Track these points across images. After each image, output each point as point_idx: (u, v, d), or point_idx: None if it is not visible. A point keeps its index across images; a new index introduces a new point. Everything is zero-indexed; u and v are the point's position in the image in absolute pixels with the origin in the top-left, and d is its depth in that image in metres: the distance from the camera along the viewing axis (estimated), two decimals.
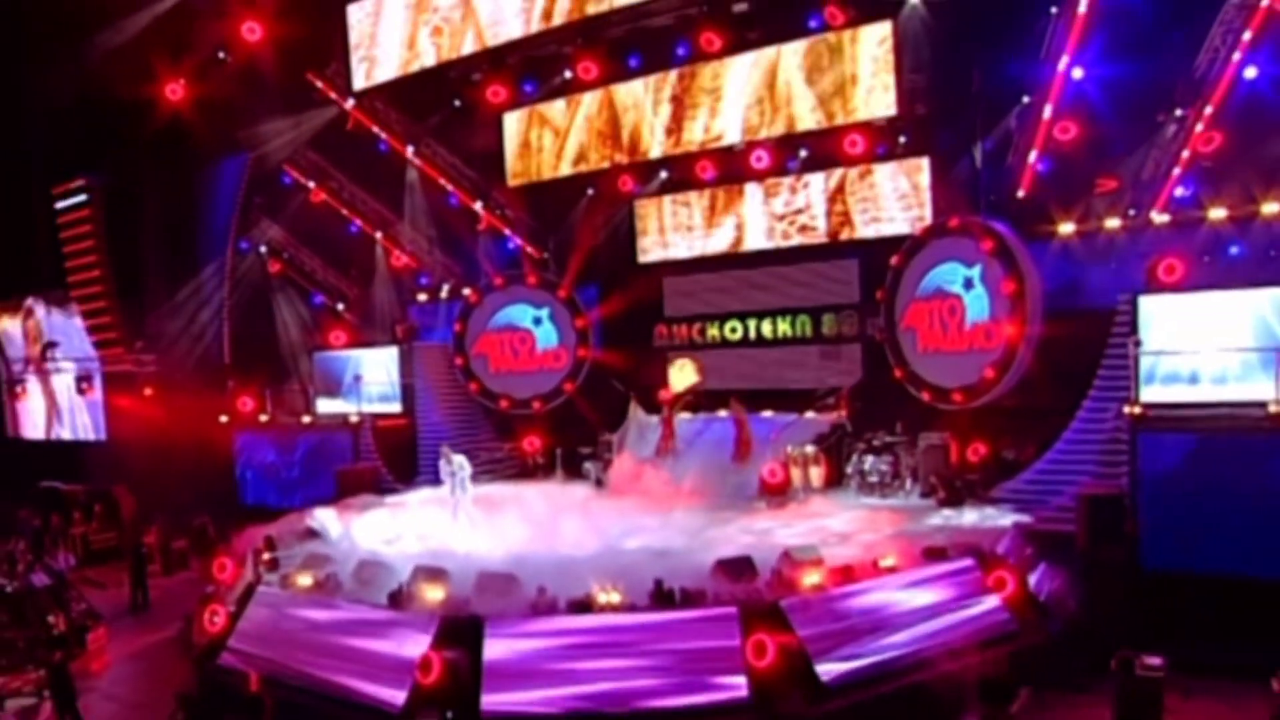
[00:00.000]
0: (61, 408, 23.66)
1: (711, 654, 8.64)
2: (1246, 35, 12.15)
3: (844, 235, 17.37)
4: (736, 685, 8.55)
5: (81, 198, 21.07)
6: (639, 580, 9.54)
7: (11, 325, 24.83)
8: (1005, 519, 12.58)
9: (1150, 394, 12.36)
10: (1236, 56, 12.17)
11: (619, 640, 8.92)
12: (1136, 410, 11.73)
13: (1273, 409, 11.01)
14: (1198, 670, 9.67)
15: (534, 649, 9.04)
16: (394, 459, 19.10)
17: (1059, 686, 9.60)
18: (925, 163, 16.42)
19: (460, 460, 14.32)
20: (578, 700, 8.62)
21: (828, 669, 8.69)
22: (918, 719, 6.59)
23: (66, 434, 23.85)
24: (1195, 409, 11.79)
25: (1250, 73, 12.29)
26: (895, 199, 16.72)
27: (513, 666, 8.91)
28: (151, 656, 12.66)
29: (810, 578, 9.49)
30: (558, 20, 16.37)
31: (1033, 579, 11.07)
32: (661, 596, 9.26)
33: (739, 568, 9.65)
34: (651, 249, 19.79)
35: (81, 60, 18.60)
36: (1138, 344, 11.93)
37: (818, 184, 17.43)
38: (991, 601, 10.20)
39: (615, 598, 9.22)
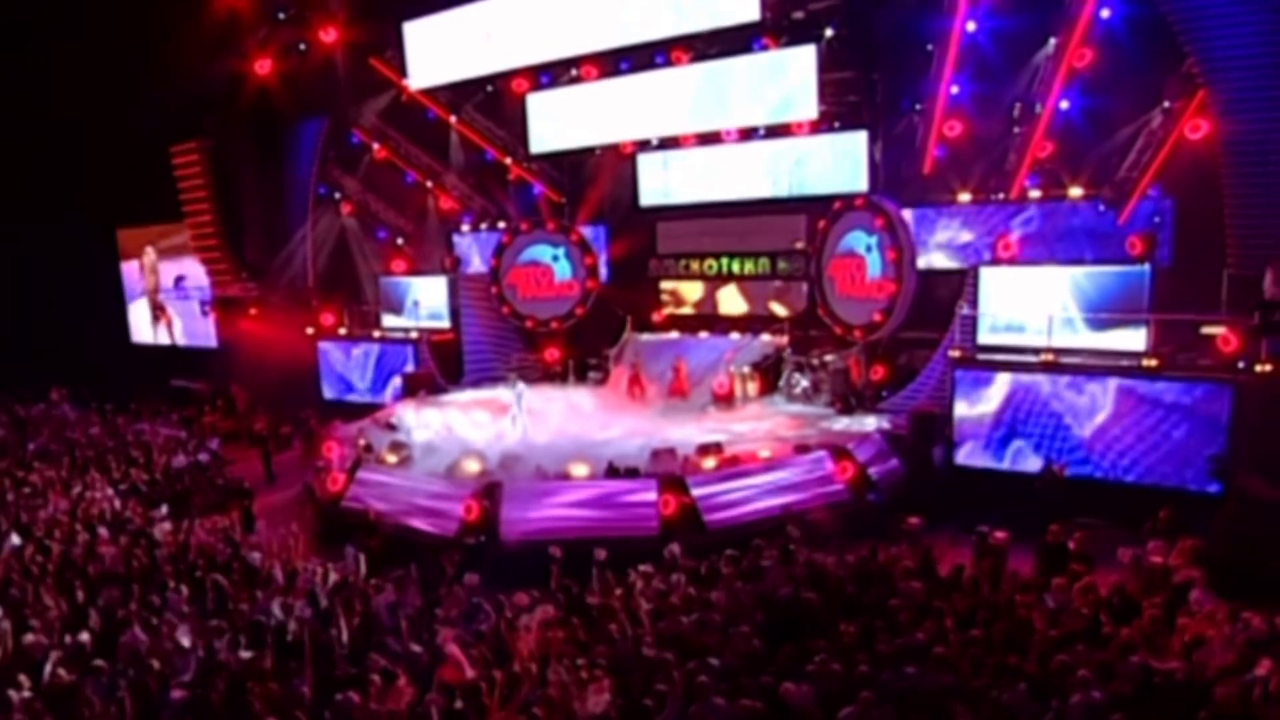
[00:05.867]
0: (189, 324, 29.62)
1: (637, 505, 14.00)
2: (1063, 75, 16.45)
3: (795, 194, 21.52)
4: (651, 525, 13.84)
5: (194, 155, 26.14)
6: (600, 460, 15.00)
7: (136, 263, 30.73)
8: (874, 424, 17.45)
9: (988, 338, 17.16)
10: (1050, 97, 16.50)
11: (583, 496, 14.36)
12: (955, 353, 16.63)
13: (1043, 356, 15.83)
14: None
15: (533, 501, 14.40)
16: (445, 366, 24.13)
17: (869, 536, 14.63)
18: (863, 136, 20.42)
19: (521, 386, 19.43)
20: (557, 531, 13.64)
21: (710, 517, 14.06)
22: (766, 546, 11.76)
23: (190, 343, 29.83)
24: (1004, 351, 16.53)
25: (1064, 104, 16.63)
26: (835, 166, 20.80)
27: (520, 510, 14.31)
28: (286, 507, 18.30)
29: (709, 462, 14.87)
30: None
31: (875, 467, 16.22)
32: (612, 471, 14.74)
33: (665, 453, 15.05)
34: (649, 196, 24.09)
35: (194, 46, 23.30)
36: (962, 307, 16.79)
37: (775, 152, 21.64)
38: (835, 481, 15.23)
39: (584, 470, 14.72)
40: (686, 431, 17.36)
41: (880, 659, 7.97)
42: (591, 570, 10.87)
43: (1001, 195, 18.50)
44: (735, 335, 22.38)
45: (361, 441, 17.40)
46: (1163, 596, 9.57)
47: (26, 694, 7.70)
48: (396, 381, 24.11)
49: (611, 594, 9.87)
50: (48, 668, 8.14)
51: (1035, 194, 18.20)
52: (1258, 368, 13.83)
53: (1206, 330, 14.91)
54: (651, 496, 14.04)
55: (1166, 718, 7.14)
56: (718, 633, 8.65)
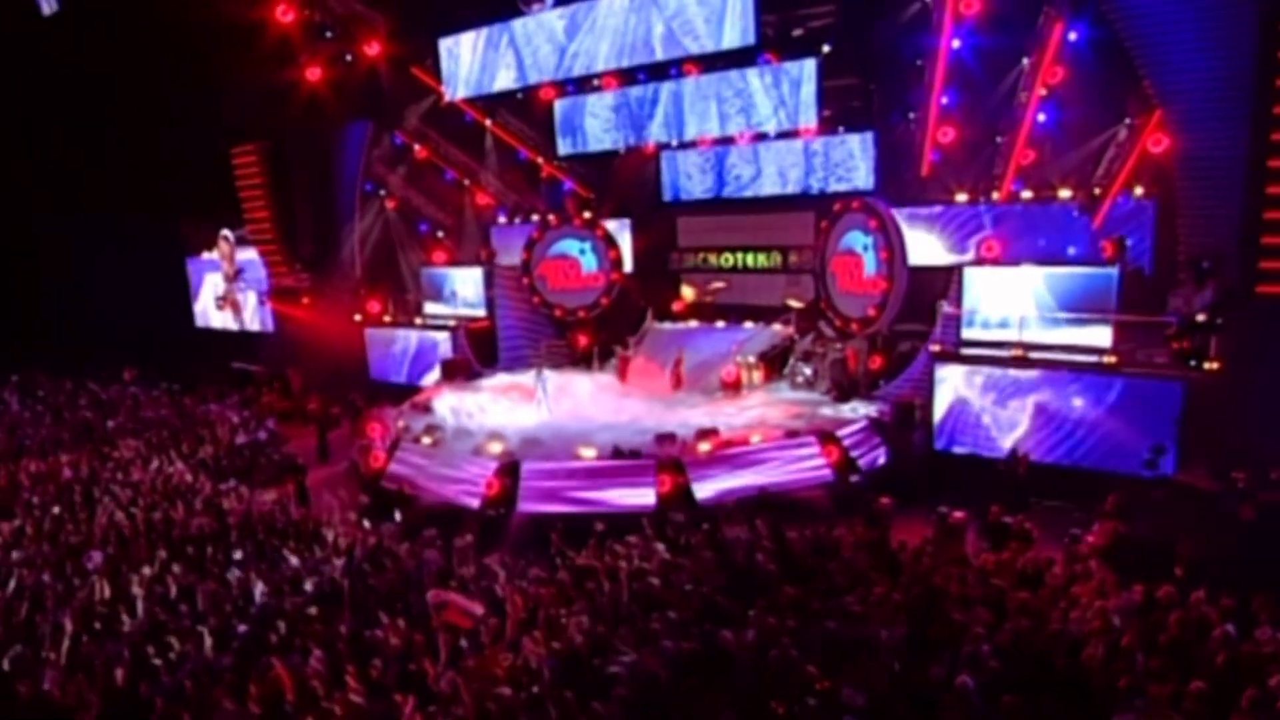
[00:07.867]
0: (249, 311, 32.13)
1: (637, 483, 15.80)
2: (1039, 91, 17.72)
3: (805, 191, 23.15)
4: (648, 500, 15.60)
5: (252, 157, 28.37)
6: (607, 443, 16.81)
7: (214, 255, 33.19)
8: (864, 411, 18.94)
9: (970, 333, 18.52)
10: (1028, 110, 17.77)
11: (591, 475, 16.17)
12: (935, 348, 18.07)
13: (1013, 351, 17.20)
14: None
15: (546, 479, 16.32)
16: (480, 351, 26.03)
17: (852, 515, 16.08)
18: (867, 138, 21.86)
19: (548, 375, 21.30)
20: (567, 506, 15.67)
21: (702, 495, 15.83)
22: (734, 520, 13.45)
23: (251, 328, 32.36)
24: (981, 346, 17.91)
25: (1041, 117, 17.89)
26: (840, 167, 22.42)
27: (535, 487, 16.23)
28: (335, 480, 20.39)
29: (704, 445, 16.59)
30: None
31: (860, 452, 17.77)
32: (616, 453, 16.54)
33: (666, 437, 16.81)
34: (671, 191, 25.82)
35: (251, 60, 25.34)
36: (942, 306, 18.19)
37: (785, 153, 23.29)
38: (821, 464, 16.88)
39: (591, 453, 16.56)
40: (690, 416, 19.05)
41: (810, 615, 9.68)
42: (589, 539, 12.72)
43: (996, 195, 19.93)
44: (749, 325, 23.95)
45: (401, 423, 19.46)
46: (1069, 570, 11.10)
47: (128, 628, 9.83)
48: None
49: (599, 560, 11.69)
50: (141, 608, 10.27)
51: (1026, 195, 19.57)
52: (1206, 366, 15.14)
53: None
54: (650, 476, 15.83)
55: (1034, 668, 8.75)
56: (680, 592, 10.43)
